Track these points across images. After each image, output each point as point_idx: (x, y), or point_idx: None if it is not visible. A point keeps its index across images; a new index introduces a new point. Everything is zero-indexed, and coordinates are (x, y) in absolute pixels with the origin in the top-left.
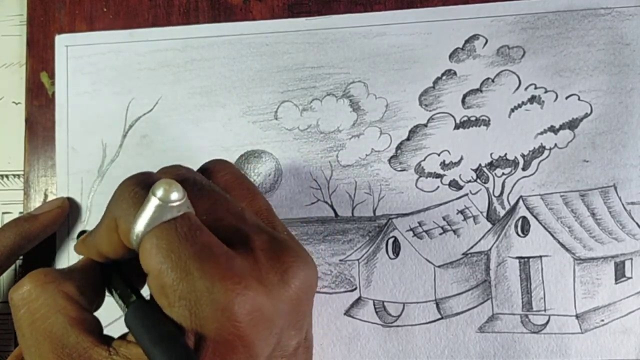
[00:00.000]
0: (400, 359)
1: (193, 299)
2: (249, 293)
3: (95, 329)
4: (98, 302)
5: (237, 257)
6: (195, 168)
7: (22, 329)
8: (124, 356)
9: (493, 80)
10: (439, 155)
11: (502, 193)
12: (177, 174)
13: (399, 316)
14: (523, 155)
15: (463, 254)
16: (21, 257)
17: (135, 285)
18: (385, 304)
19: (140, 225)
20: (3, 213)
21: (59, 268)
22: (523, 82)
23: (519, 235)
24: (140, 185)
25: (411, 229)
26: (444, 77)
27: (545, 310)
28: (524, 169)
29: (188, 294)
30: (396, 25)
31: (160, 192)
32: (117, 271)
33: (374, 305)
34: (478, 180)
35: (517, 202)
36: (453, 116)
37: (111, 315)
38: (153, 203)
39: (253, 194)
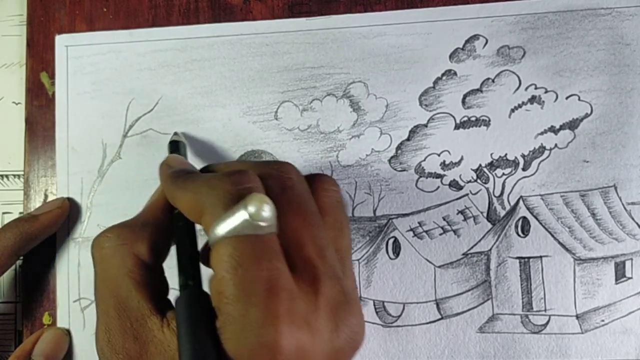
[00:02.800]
0: (401, 359)
1: (242, 322)
2: (297, 338)
3: (158, 293)
4: (167, 253)
5: (299, 298)
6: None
7: (96, 282)
8: (173, 330)
9: (493, 81)
10: (439, 155)
11: (502, 193)
12: (287, 177)
13: (399, 316)
14: (523, 156)
15: (463, 254)
16: (21, 257)
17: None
18: (386, 304)
19: (222, 229)
20: (3, 213)
21: (134, 220)
22: (523, 82)
23: (519, 235)
24: (237, 187)
25: (411, 229)
26: (444, 77)
27: (545, 310)
28: (524, 169)
29: (239, 315)
30: (396, 25)
31: (252, 209)
32: (186, 234)
33: (374, 305)
34: (478, 181)
35: (517, 202)
36: (453, 116)
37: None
38: (242, 215)
39: (342, 228)
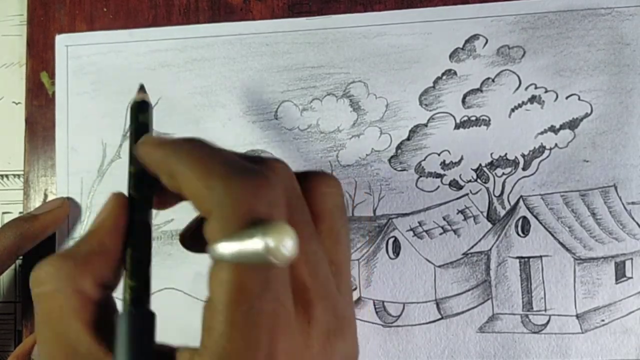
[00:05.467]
0: (400, 359)
1: (235, 350)
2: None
3: (111, 329)
4: (119, 280)
5: (296, 331)
6: None
7: (39, 324)
8: None
9: (493, 80)
10: (439, 155)
11: (502, 193)
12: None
13: (399, 316)
14: (523, 155)
15: (463, 253)
16: (21, 257)
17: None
18: (386, 304)
19: (229, 249)
20: (3, 213)
21: (76, 248)
22: (523, 82)
23: (519, 235)
24: (259, 204)
25: (411, 229)
26: (444, 77)
27: (545, 310)
28: (524, 169)
29: (230, 355)
30: (396, 25)
31: (272, 243)
32: (142, 235)
33: (374, 305)
34: (478, 180)
35: (517, 202)
36: (453, 116)
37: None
38: (256, 244)
39: (339, 237)
